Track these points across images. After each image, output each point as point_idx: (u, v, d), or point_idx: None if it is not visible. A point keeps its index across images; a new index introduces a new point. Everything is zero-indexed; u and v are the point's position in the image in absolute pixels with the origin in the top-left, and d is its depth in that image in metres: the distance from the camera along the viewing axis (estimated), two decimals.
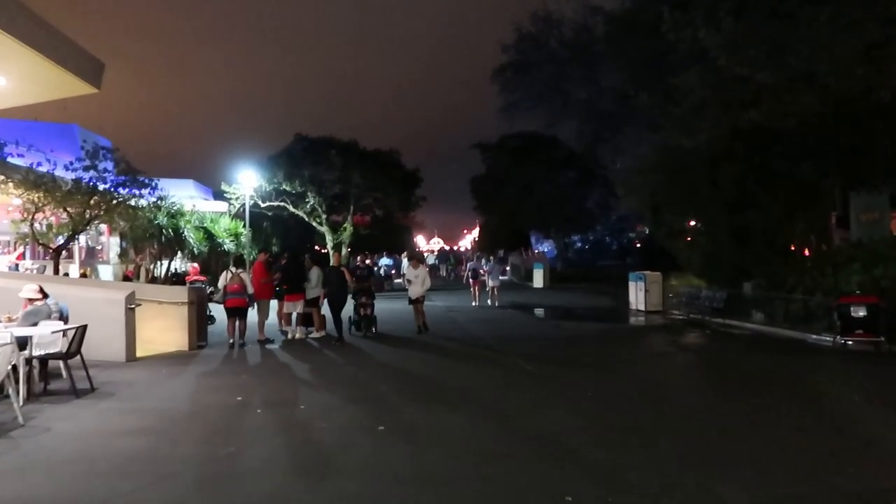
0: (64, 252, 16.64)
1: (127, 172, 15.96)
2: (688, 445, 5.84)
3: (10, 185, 13.91)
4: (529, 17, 23.30)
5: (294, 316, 13.06)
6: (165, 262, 22.13)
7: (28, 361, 7.52)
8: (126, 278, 19.79)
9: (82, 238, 18.90)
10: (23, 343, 7.41)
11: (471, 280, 21.45)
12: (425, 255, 41.35)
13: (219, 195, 29.44)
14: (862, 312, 11.25)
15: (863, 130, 14.37)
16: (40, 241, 15.60)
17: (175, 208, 21.06)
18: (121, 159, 16.33)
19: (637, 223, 45.93)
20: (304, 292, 12.87)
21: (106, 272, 21.34)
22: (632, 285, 18.88)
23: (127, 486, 4.83)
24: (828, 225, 17.82)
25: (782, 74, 12.63)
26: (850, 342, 11.36)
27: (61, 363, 8.19)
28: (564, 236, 43.98)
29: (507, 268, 35.59)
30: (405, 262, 26.94)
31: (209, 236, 23.16)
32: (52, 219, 15.97)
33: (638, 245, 48.60)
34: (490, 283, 20.63)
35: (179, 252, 22.38)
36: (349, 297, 13.09)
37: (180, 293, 11.92)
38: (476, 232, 76.95)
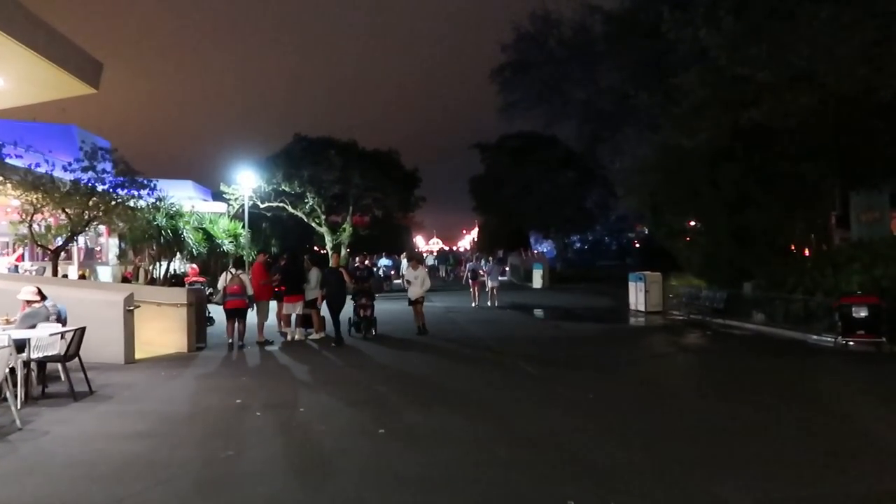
0: (63, 253, 16.60)
1: (126, 173, 15.94)
2: (689, 447, 5.80)
3: (9, 186, 13.88)
4: (528, 17, 23.29)
5: (293, 317, 13.02)
6: (164, 264, 22.09)
7: (26, 364, 7.48)
8: (125, 279, 19.76)
9: (81, 239, 18.85)
10: (21, 345, 7.37)
11: (470, 281, 21.42)
12: (424, 255, 41.32)
13: (218, 196, 29.44)
14: (863, 313, 11.22)
15: (863, 130, 14.34)
16: (39, 243, 15.56)
17: (174, 209, 21.04)
18: (119, 160, 16.33)
19: (636, 223, 45.89)
20: (304, 293, 12.82)
21: (105, 273, 21.31)
22: (632, 286, 18.84)
23: (125, 490, 4.79)
24: (828, 225, 17.80)
25: (782, 74, 12.61)
26: (851, 343, 11.33)
27: (59, 366, 8.15)
28: (564, 236, 43.94)
29: (507, 268, 35.55)
30: (404, 262, 26.93)
31: (208, 237, 23.14)
32: (51, 220, 15.94)
33: (637, 245, 48.60)
34: (489, 283, 20.61)
35: (178, 253, 22.36)
36: (349, 298, 13.06)
37: (179, 295, 11.88)
38: (475, 232, 76.98)
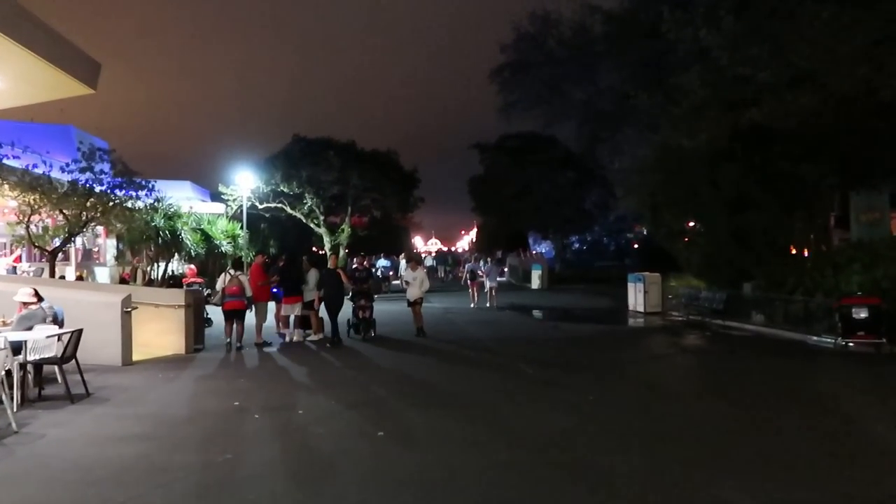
0: (60, 254, 16.53)
1: (124, 174, 15.87)
2: (691, 449, 5.76)
3: (6, 187, 13.80)
4: (528, 17, 23.20)
5: (292, 318, 12.97)
6: (162, 264, 22.03)
7: (22, 366, 7.41)
8: (122, 280, 19.68)
9: (78, 240, 18.78)
10: (17, 348, 7.31)
11: (469, 281, 21.37)
12: (423, 256, 41.27)
13: (216, 197, 29.38)
14: (863, 314, 11.20)
15: (863, 130, 14.32)
16: (36, 244, 15.49)
17: (172, 210, 20.98)
18: (117, 161, 16.26)
19: (635, 224, 45.86)
20: (302, 295, 12.77)
21: (102, 274, 21.23)
22: (631, 286, 18.80)
23: (123, 494, 4.74)
24: (827, 225, 17.80)
25: (783, 74, 12.58)
26: (851, 344, 11.31)
27: (56, 368, 8.07)
28: (562, 237, 43.92)
29: (505, 269, 35.52)
30: (403, 263, 26.88)
31: (206, 238, 23.08)
32: (49, 221, 15.87)
33: (636, 246, 48.56)
34: (488, 284, 20.58)
35: (176, 254, 22.28)
36: (347, 299, 13.01)
37: (177, 296, 11.82)
38: (474, 233, 76.98)
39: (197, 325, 11.93)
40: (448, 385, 8.89)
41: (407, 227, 66.88)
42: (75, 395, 7.69)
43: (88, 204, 14.80)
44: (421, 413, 7.22)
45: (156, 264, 22.04)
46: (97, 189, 14.84)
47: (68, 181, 14.48)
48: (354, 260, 16.55)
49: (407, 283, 14.08)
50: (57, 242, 15.71)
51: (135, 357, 10.44)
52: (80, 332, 8.06)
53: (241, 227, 24.88)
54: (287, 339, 12.85)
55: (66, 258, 19.62)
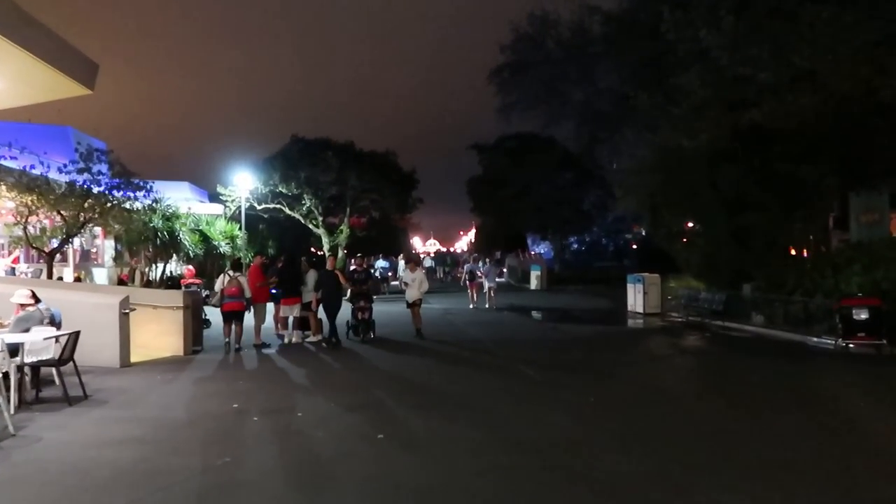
0: (58, 255, 16.47)
1: (122, 175, 15.83)
2: (692, 453, 5.73)
3: (3, 187, 13.75)
4: (527, 18, 23.17)
5: (290, 320, 12.92)
6: (160, 265, 21.97)
7: (19, 368, 7.37)
8: (121, 282, 19.61)
9: (76, 241, 18.72)
10: (14, 349, 7.27)
11: (468, 282, 21.33)
12: (422, 257, 41.22)
13: (214, 197, 29.32)
14: (864, 315, 11.17)
15: (863, 130, 14.32)
16: (34, 245, 15.43)
17: (170, 211, 20.91)
18: (115, 161, 16.21)
19: (634, 224, 45.88)
20: (301, 296, 12.72)
21: (100, 275, 21.17)
22: (630, 287, 18.77)
23: (121, 498, 4.70)
24: (827, 226, 17.79)
25: (783, 74, 12.56)
26: (851, 345, 11.28)
27: (54, 370, 8.02)
28: (561, 238, 43.91)
29: (504, 269, 35.48)
30: (401, 264, 26.83)
31: (205, 239, 23.03)
32: (46, 222, 15.80)
33: (634, 246, 48.57)
34: (487, 285, 20.54)
35: (175, 255, 22.22)
36: (346, 300, 12.96)
37: (175, 297, 11.77)
38: (472, 234, 76.96)
39: (195, 326, 11.89)
40: (448, 387, 8.85)
41: (405, 228, 66.80)
42: (73, 398, 7.64)
43: (86, 205, 14.76)
44: (421, 415, 7.18)
45: (154, 265, 21.98)
46: (95, 190, 14.80)
47: (66, 182, 14.44)
48: (353, 261, 16.52)
49: (406, 284, 14.04)
50: (55, 243, 15.66)
51: (133, 359, 10.38)
52: (77, 333, 8.01)
53: (240, 228, 24.82)
54: (286, 340, 12.80)
55: (64, 259, 19.54)
